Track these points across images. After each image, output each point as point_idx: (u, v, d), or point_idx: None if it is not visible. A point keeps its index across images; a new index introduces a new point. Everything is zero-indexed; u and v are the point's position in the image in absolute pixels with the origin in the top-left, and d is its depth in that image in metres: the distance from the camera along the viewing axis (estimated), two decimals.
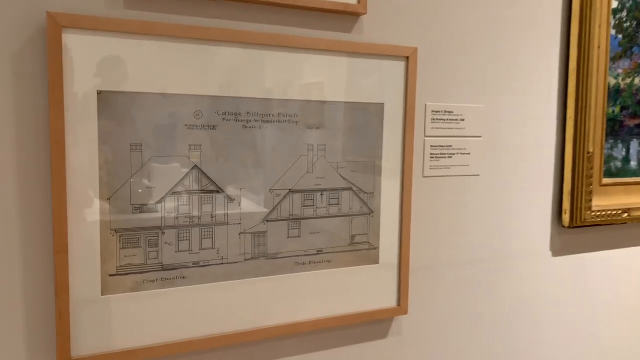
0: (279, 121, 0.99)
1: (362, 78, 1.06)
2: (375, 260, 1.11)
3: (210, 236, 0.95)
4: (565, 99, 1.35)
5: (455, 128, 1.21)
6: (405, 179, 1.11)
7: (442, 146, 1.19)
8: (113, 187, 0.87)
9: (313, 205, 1.04)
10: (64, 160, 0.83)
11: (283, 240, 1.02)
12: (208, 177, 0.94)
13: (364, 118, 1.07)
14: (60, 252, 0.84)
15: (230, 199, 0.96)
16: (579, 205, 1.35)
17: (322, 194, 1.05)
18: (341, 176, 1.06)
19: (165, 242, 0.92)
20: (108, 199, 0.87)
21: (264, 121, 0.97)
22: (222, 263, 0.97)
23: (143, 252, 0.91)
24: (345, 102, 1.04)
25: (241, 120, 0.95)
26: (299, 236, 1.03)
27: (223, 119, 0.94)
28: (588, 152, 1.34)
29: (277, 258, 1.01)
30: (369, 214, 1.10)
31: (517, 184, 1.30)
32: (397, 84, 1.10)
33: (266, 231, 1.00)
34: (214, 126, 0.93)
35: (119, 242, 0.89)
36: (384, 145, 1.09)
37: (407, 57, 1.09)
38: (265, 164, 0.98)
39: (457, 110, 1.20)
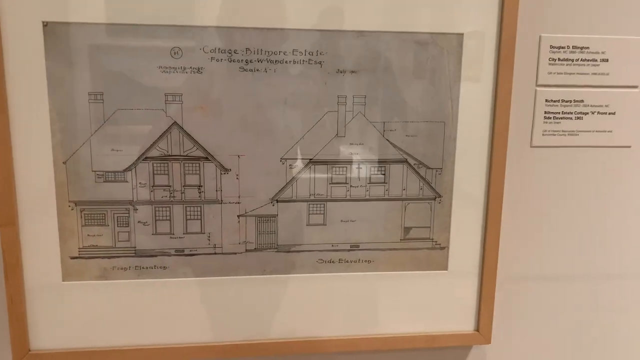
0: (294, 62, 0.69)
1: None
2: (442, 264, 0.77)
3: (199, 217, 0.72)
4: None
5: (592, 74, 0.78)
6: (496, 150, 0.74)
7: (566, 101, 0.78)
8: (69, 149, 0.68)
9: (345, 183, 0.74)
10: (6, 113, 0.66)
11: (301, 229, 0.74)
12: (193, 139, 0.70)
13: (430, 57, 0.72)
14: (6, 225, 0.68)
15: (224, 169, 0.71)
16: None
17: (359, 168, 0.74)
18: (390, 142, 0.73)
19: (139, 222, 0.71)
20: (64, 163, 0.68)
21: (272, 61, 0.69)
22: (214, 253, 0.73)
23: (111, 232, 0.71)
24: (398, 33, 0.70)
25: (238, 61, 0.68)
26: (324, 224, 0.74)
27: (212, 58, 0.68)
28: None
29: (291, 252, 0.74)
30: (435, 199, 0.76)
31: None
32: (487, 5, 0.71)
33: (276, 215, 0.73)
34: (199, 69, 0.68)
35: (81, 217, 0.70)
36: (462, 99, 0.73)
37: None
38: (275, 122, 0.70)
39: (597, 44, 0.77)
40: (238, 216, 0.72)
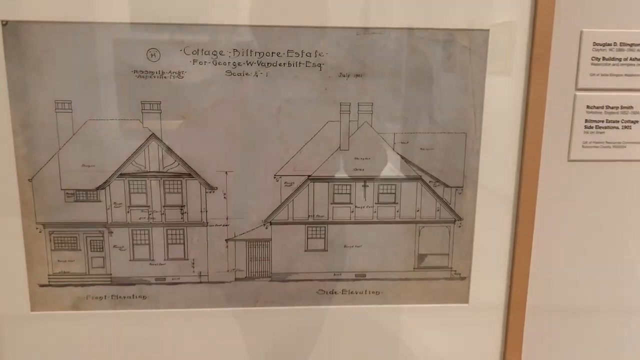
0: (290, 64, 0.60)
1: None
2: (462, 297, 0.67)
3: (182, 241, 0.63)
4: None
5: None
6: (527, 165, 0.63)
7: (611, 108, 0.66)
8: (35, 164, 0.60)
9: (350, 203, 0.64)
10: None
11: (298, 255, 0.65)
12: (173, 153, 0.61)
13: (449, 57, 0.61)
14: None
15: (210, 187, 0.62)
16: None
17: (365, 186, 0.64)
18: (402, 157, 0.63)
19: (115, 246, 0.63)
20: (29, 180, 0.60)
21: (263, 64, 0.59)
22: (200, 282, 0.64)
23: (84, 258, 0.63)
24: (410, 30, 0.60)
25: (224, 64, 0.59)
26: (325, 250, 0.65)
27: (194, 61, 0.59)
28: None
29: (287, 281, 0.65)
30: (454, 222, 0.65)
31: None
32: None
33: (270, 239, 0.64)
34: (179, 73, 0.59)
35: (50, 241, 0.62)
36: (487, 105, 0.62)
37: None
38: (267, 134, 0.61)
39: None
40: (226, 240, 0.63)
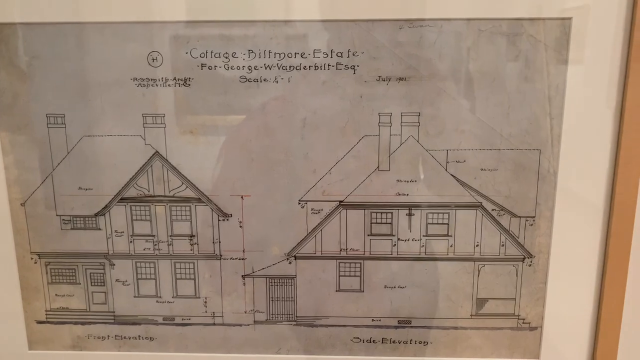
0: (316, 67, 0.49)
1: None
2: (532, 351, 0.54)
3: (192, 276, 0.54)
4: None
5: None
6: (620, 191, 0.49)
7: None
8: (28, 187, 0.53)
9: (391, 235, 0.52)
10: None
11: (329, 296, 0.54)
12: (181, 174, 0.52)
13: (519, 54, 0.48)
14: None
15: (223, 214, 0.52)
16: None
17: (411, 214, 0.52)
18: (457, 179, 0.51)
19: (117, 280, 0.55)
20: (22, 204, 0.53)
21: (284, 67, 0.49)
22: (213, 323, 0.55)
23: (84, 292, 0.55)
24: (469, 20, 0.47)
25: (238, 68, 0.49)
26: (360, 290, 0.54)
27: (202, 65, 0.49)
28: None
29: (315, 326, 0.54)
30: (523, 259, 0.52)
31: None
32: None
33: (294, 276, 0.53)
34: (185, 80, 0.50)
35: (46, 273, 0.55)
36: (567, 115, 0.49)
37: None
38: (291, 151, 0.51)
39: None
40: (243, 276, 0.54)
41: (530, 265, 0.52)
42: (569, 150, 0.50)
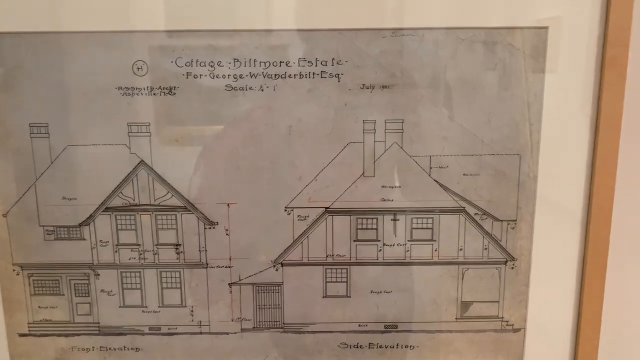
0: (301, 75, 0.49)
1: None
2: (516, 353, 0.55)
3: (178, 285, 0.54)
4: None
5: None
6: (598, 195, 0.51)
7: None
8: (9, 197, 0.52)
9: (377, 241, 0.53)
10: None
11: (315, 302, 0.54)
12: (166, 183, 0.52)
13: (498, 62, 0.49)
14: None
15: (209, 222, 0.52)
16: None
17: (396, 220, 0.52)
18: (440, 185, 0.52)
19: (102, 291, 0.54)
20: (4, 215, 0.52)
21: (270, 76, 0.49)
22: (200, 332, 0.55)
23: (68, 304, 0.55)
24: (450, 29, 0.49)
25: (223, 76, 0.49)
26: (347, 296, 0.54)
27: (188, 74, 0.49)
28: None
29: (303, 332, 0.55)
30: (505, 262, 0.53)
31: None
32: None
33: (281, 283, 0.54)
34: (170, 89, 0.50)
35: (29, 285, 0.54)
36: (546, 120, 0.50)
37: None
38: (276, 159, 0.51)
39: None
40: (230, 284, 0.54)
41: (512, 268, 0.53)
42: (548, 156, 0.51)
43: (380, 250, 0.53)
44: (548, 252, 0.53)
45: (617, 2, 0.47)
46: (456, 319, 0.54)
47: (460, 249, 0.53)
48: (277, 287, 0.54)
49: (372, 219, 0.53)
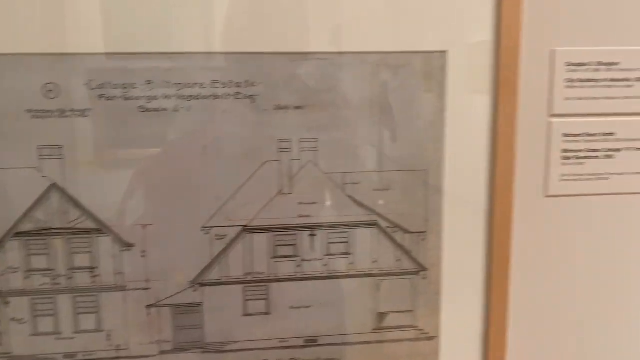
0: (216, 96, 0.50)
1: (396, 3, 0.52)
2: (431, 359, 0.57)
3: (94, 309, 0.53)
4: None
5: (625, 98, 0.58)
6: (499, 204, 0.54)
7: (591, 135, 0.58)
8: None
9: (295, 257, 0.54)
10: None
11: (236, 321, 0.54)
12: (80, 205, 0.51)
13: (404, 84, 0.53)
14: None
15: (125, 244, 0.52)
16: None
17: (313, 235, 0.54)
18: (353, 200, 0.54)
19: (13, 319, 0.52)
20: None
21: (184, 97, 0.50)
22: (117, 357, 0.54)
23: None
24: (359, 54, 0.52)
25: (136, 98, 0.50)
26: (267, 313, 0.55)
27: (101, 96, 0.49)
28: None
29: (224, 351, 0.55)
30: (417, 272, 0.56)
31: None
32: (478, 10, 0.53)
33: (200, 303, 0.54)
34: (83, 111, 0.49)
35: None
36: (449, 138, 0.54)
37: None
38: (192, 179, 0.51)
39: (629, 59, 0.57)
40: (147, 307, 0.53)
41: (424, 277, 0.56)
42: (451, 171, 0.54)
43: (299, 266, 0.55)
44: (456, 262, 0.56)
45: (506, 28, 0.52)
46: (373, 329, 0.56)
47: (375, 262, 0.55)
48: (196, 308, 0.54)
49: (290, 235, 0.54)
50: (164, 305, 0.53)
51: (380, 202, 0.54)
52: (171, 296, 0.53)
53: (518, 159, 0.56)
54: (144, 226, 0.52)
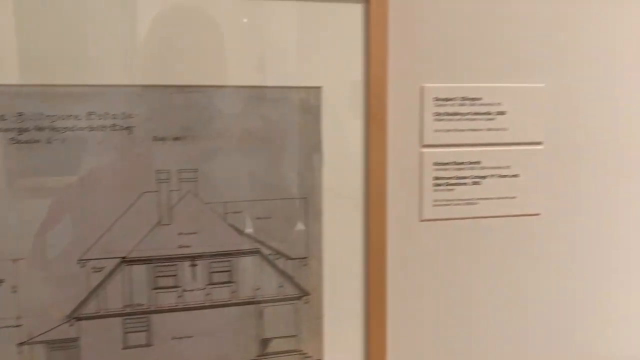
0: (92, 128, 0.50)
1: (274, 41, 0.54)
2: None
3: None
4: None
5: (488, 130, 0.64)
6: (374, 229, 0.58)
7: (459, 164, 0.63)
8: None
9: (176, 287, 0.54)
10: None
11: (115, 354, 0.53)
12: None
13: (281, 117, 0.55)
14: None
15: None
16: None
17: (194, 265, 0.55)
18: (235, 229, 0.55)
19: None
20: None
21: (57, 129, 0.50)
22: None
23: None
24: (237, 88, 0.54)
25: (7, 130, 0.49)
26: (148, 345, 0.54)
27: None
28: None
29: None
30: (300, 298, 0.57)
31: (620, 230, 0.69)
32: (350, 50, 0.56)
33: (77, 338, 0.52)
34: None
35: None
36: (326, 168, 0.56)
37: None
38: (69, 211, 0.51)
39: (491, 95, 0.63)
40: (19, 344, 0.51)
41: (307, 302, 0.58)
42: (330, 198, 0.57)
43: (181, 296, 0.55)
44: (337, 286, 0.58)
45: (375, 67, 0.56)
46: (257, 356, 0.57)
47: (258, 289, 0.57)
48: (72, 343, 0.52)
49: (171, 265, 0.54)
50: (37, 342, 0.52)
51: (262, 230, 0.56)
52: (45, 332, 0.52)
53: (394, 186, 0.60)
54: (15, 260, 0.50)
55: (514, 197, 0.65)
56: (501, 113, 0.64)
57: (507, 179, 0.65)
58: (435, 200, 0.63)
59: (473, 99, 0.63)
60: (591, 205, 0.67)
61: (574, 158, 0.66)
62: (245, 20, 0.54)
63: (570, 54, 0.65)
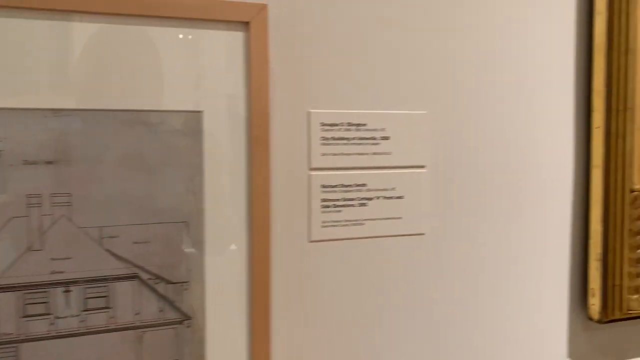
0: None
1: (153, 65, 0.55)
2: None
3: None
4: (589, 98, 0.78)
5: (373, 154, 0.67)
6: (258, 251, 0.58)
7: (346, 186, 0.65)
8: None
9: (48, 315, 0.53)
10: None
11: None
12: None
13: (161, 141, 0.55)
14: None
15: None
16: (617, 284, 0.76)
17: (68, 291, 0.53)
18: (112, 253, 0.54)
19: None
20: None
21: None
22: None
23: None
24: (113, 112, 0.53)
25: None
26: None
27: None
28: (633, 190, 0.76)
29: None
30: (181, 322, 0.57)
31: (500, 249, 0.73)
32: (232, 75, 0.58)
33: None
34: None
35: None
36: (208, 191, 0.57)
37: (248, 23, 0.57)
38: None
39: (375, 120, 0.66)
40: None
41: (189, 326, 0.58)
42: (211, 221, 0.58)
43: (53, 323, 0.53)
44: (220, 309, 0.58)
45: (255, 92, 0.57)
46: None
47: (137, 314, 0.56)
48: None
49: (42, 292, 0.53)
50: None
51: (140, 254, 0.55)
52: None
53: (283, 208, 0.62)
54: None
55: (399, 218, 0.68)
56: (385, 138, 0.67)
57: (392, 200, 0.68)
58: (324, 222, 0.65)
59: (358, 125, 0.66)
60: (472, 225, 0.71)
61: (456, 180, 0.70)
62: (125, 44, 0.54)
63: (451, 82, 0.69)
